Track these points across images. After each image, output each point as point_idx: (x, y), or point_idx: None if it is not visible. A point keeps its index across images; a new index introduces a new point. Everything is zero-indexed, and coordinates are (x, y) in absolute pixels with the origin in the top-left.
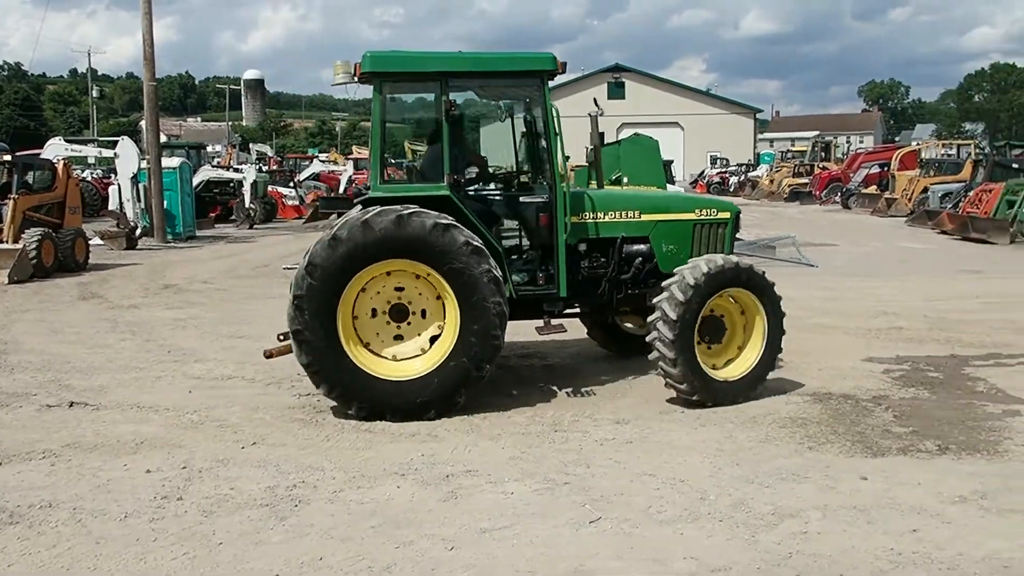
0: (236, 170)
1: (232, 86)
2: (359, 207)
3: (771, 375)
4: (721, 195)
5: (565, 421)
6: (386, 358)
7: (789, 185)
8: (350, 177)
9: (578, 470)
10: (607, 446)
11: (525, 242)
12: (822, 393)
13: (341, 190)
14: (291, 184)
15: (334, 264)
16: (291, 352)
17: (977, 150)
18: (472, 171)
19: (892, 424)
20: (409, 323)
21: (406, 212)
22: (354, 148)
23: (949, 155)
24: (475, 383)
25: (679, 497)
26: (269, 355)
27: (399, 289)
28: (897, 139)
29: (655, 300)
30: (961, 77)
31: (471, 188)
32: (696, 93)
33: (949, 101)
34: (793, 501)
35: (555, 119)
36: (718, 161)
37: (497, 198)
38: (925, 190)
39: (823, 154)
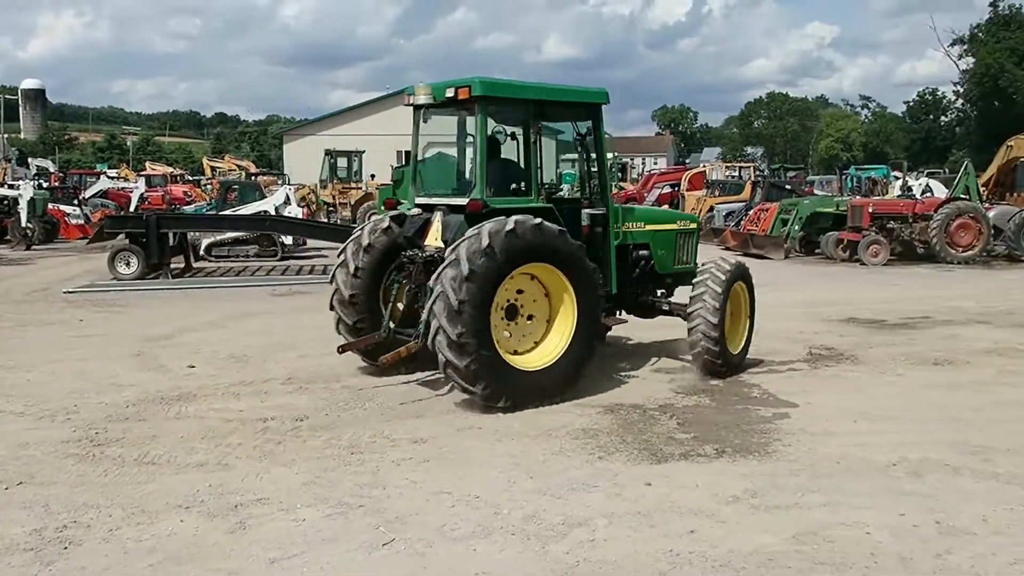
0: (11, 187)
1: (8, 96)
2: (439, 214)
3: (569, 391)
4: None
5: (362, 443)
6: (513, 352)
7: None
8: (142, 194)
9: (374, 492)
10: (404, 466)
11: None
12: (614, 404)
13: (132, 208)
14: (76, 202)
15: (491, 270)
16: (404, 355)
17: (757, 172)
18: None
19: (676, 431)
20: (516, 322)
21: (538, 221)
22: (147, 164)
23: (732, 176)
24: (590, 359)
25: (473, 513)
26: (385, 363)
27: (519, 292)
28: (687, 161)
29: (694, 294)
30: (742, 104)
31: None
32: None
33: (732, 126)
34: (582, 510)
35: (608, 142)
36: None
37: (568, 210)
38: (711, 209)
39: (620, 174)
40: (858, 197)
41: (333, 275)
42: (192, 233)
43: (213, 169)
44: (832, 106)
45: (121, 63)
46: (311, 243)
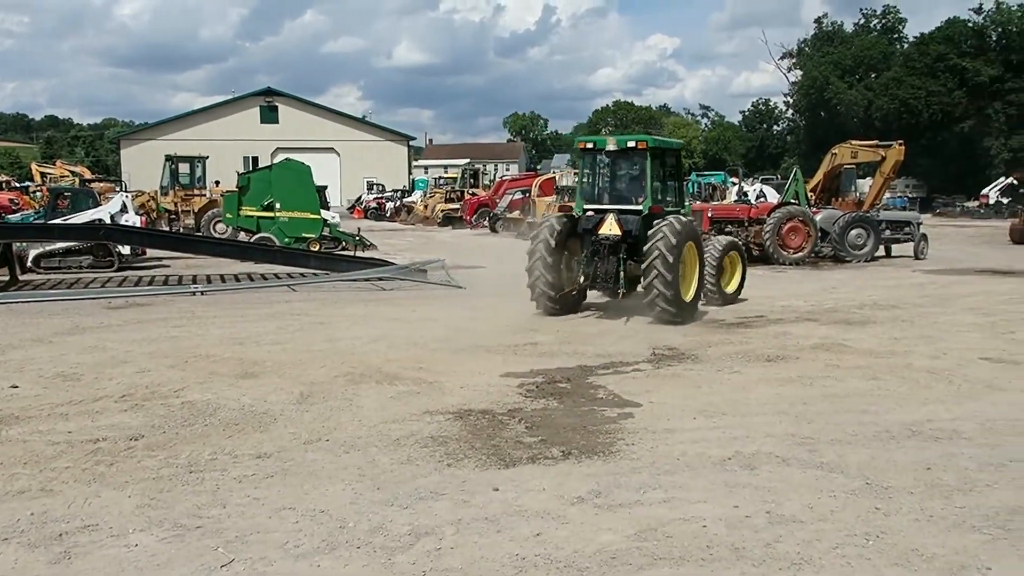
0: None
1: None
2: (612, 215)
3: (419, 398)
4: (378, 221)
5: (202, 461)
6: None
7: (442, 210)
8: None
9: (213, 511)
10: (246, 483)
11: None
12: (463, 410)
13: None
14: None
15: (679, 247)
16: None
17: None
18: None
19: (524, 435)
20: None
21: (691, 219)
22: None
23: None
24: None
25: (318, 528)
26: (621, 297)
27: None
28: (539, 167)
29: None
30: (590, 112)
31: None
32: (352, 120)
33: (581, 133)
34: (430, 519)
35: (685, 170)
36: (374, 187)
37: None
38: None
39: (472, 181)
40: (698, 202)
41: (532, 254)
42: (17, 244)
43: (43, 175)
44: (674, 115)
45: None
46: (151, 253)
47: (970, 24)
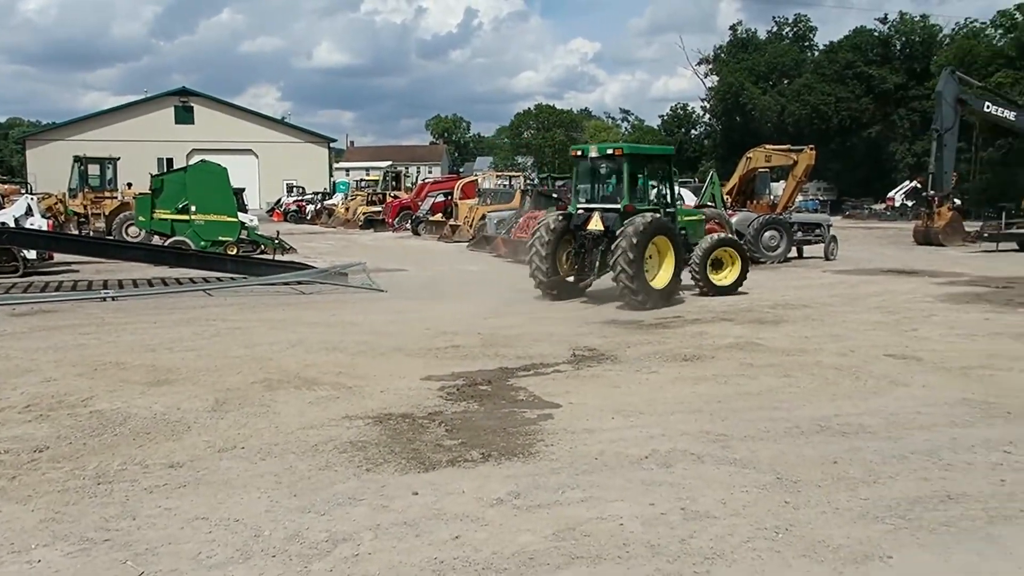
0: None
1: None
2: (597, 213)
3: (338, 403)
4: (298, 224)
5: (111, 471)
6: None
7: (364, 213)
8: None
9: (122, 524)
10: (157, 493)
11: None
12: (383, 414)
13: None
14: None
15: (642, 241)
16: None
17: (527, 181)
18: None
19: (444, 438)
20: (647, 266)
21: (659, 216)
22: None
23: (503, 185)
24: (678, 290)
25: (232, 538)
26: (587, 286)
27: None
28: (461, 170)
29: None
30: (512, 115)
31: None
32: (271, 121)
33: (504, 136)
34: (348, 525)
35: (675, 175)
36: (295, 189)
37: (662, 209)
38: (483, 217)
39: (394, 183)
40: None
41: (531, 247)
42: None
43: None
44: (596, 118)
45: None
46: (59, 257)
47: (876, 33)
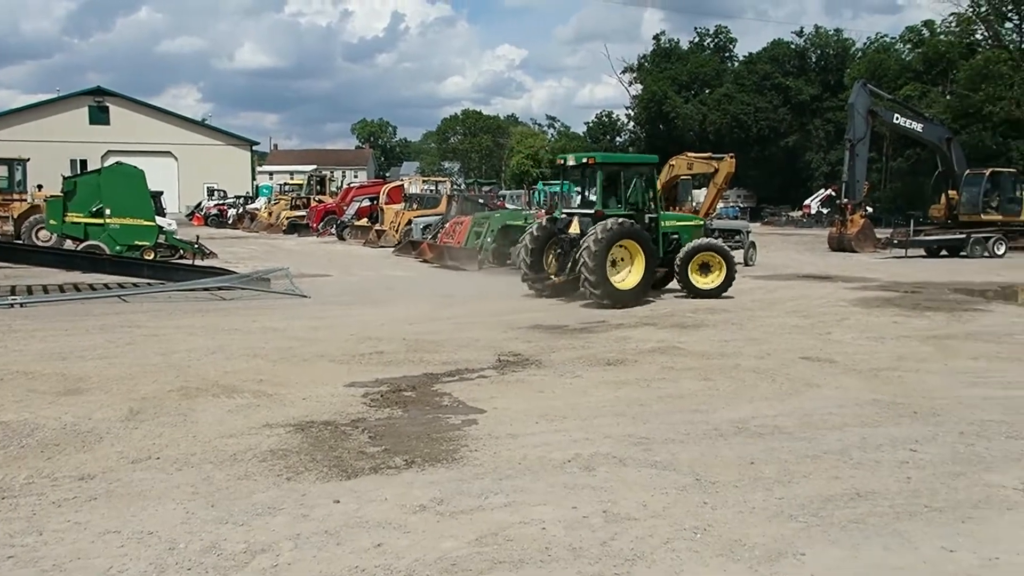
0: None
1: None
2: (577, 217)
3: (258, 411)
4: (219, 228)
5: (16, 485)
6: (616, 280)
7: (287, 217)
8: None
9: (28, 539)
10: (66, 507)
11: None
12: (305, 422)
13: None
14: None
15: (605, 243)
16: (569, 280)
17: (453, 186)
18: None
19: (367, 445)
20: (618, 268)
21: (623, 220)
22: None
23: (430, 190)
24: (647, 291)
25: (146, 551)
26: (556, 283)
27: (616, 252)
28: (387, 175)
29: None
30: (439, 120)
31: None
32: (191, 123)
33: (430, 141)
34: (267, 535)
35: (657, 181)
36: (215, 193)
37: (639, 215)
38: (409, 222)
39: (319, 187)
40: (544, 211)
41: (520, 250)
42: None
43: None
44: (522, 124)
45: None
46: None
47: (793, 46)
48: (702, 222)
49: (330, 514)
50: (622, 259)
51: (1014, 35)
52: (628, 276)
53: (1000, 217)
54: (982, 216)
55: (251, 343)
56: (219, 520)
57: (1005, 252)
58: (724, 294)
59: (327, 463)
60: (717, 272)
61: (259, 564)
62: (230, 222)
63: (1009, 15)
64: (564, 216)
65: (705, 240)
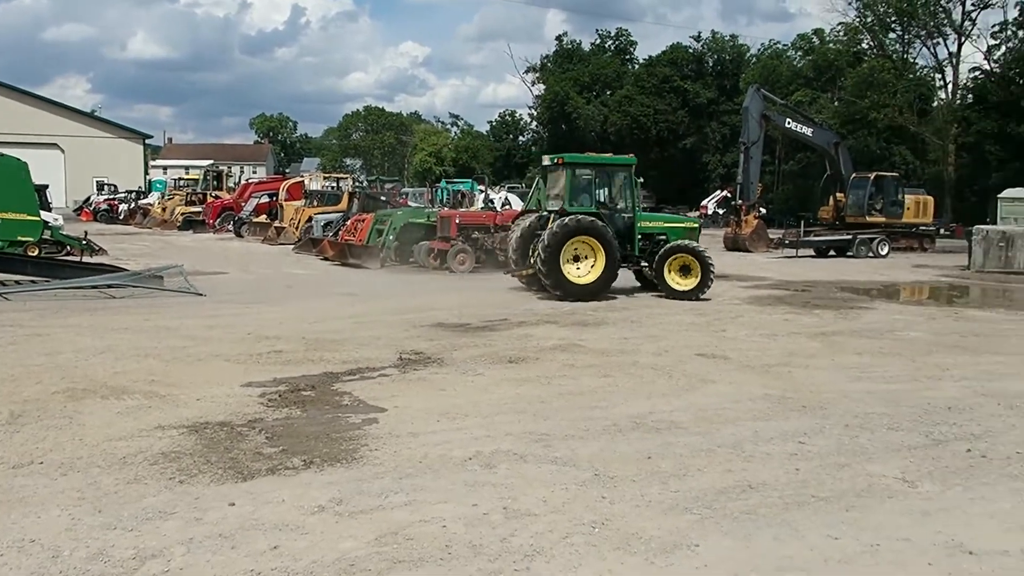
0: None
1: None
2: (555, 213)
3: (150, 413)
4: (110, 224)
5: None
6: (573, 275)
7: (182, 213)
8: None
9: None
10: None
11: (620, 230)
12: (199, 424)
13: None
14: None
15: (558, 238)
16: (530, 272)
17: (355, 183)
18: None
19: (264, 446)
20: (578, 264)
21: (579, 217)
22: None
23: (331, 187)
24: (608, 287)
25: (27, 561)
26: (518, 276)
27: (575, 248)
28: (287, 171)
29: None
30: (341, 116)
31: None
32: (79, 114)
33: (332, 137)
34: (157, 540)
35: (635, 182)
36: (105, 187)
37: (611, 213)
38: (310, 219)
39: (216, 183)
40: (447, 209)
41: (509, 243)
42: None
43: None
44: (425, 122)
45: None
46: None
47: (691, 50)
48: (696, 223)
49: (225, 517)
50: (586, 256)
51: (897, 45)
52: (589, 272)
53: (884, 219)
54: (867, 218)
55: (143, 343)
56: (107, 526)
57: (888, 252)
58: (701, 296)
59: (222, 465)
60: (695, 274)
61: (149, 570)
62: (121, 218)
63: (892, 26)
64: (547, 214)
65: (682, 242)
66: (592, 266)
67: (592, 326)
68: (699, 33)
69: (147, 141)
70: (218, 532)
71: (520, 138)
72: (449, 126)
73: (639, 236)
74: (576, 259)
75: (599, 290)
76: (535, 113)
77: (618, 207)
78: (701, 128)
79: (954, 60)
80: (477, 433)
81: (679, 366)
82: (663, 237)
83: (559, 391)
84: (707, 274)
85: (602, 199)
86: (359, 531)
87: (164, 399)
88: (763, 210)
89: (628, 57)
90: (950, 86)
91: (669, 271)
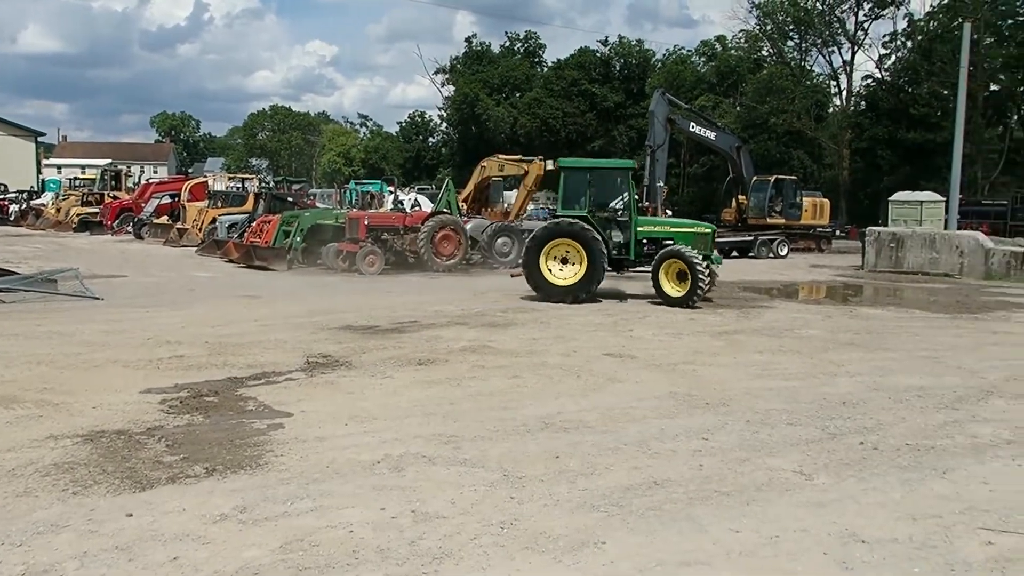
0: None
1: None
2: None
3: (42, 422)
4: (0, 225)
5: None
6: (556, 276)
7: (78, 214)
8: None
9: None
10: None
11: (616, 234)
12: (95, 432)
13: None
14: None
15: (542, 239)
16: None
17: (261, 184)
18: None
19: (164, 454)
20: (563, 266)
21: (558, 220)
22: None
23: (236, 188)
24: (592, 289)
25: None
26: (514, 276)
27: (566, 250)
28: (190, 171)
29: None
30: (246, 115)
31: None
32: None
33: (237, 137)
34: (49, 555)
35: (633, 186)
36: None
37: (606, 217)
38: (214, 220)
39: (114, 183)
40: (356, 210)
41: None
42: None
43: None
44: (333, 122)
45: None
46: None
47: (598, 54)
48: (709, 228)
49: (122, 529)
50: (572, 259)
51: (795, 53)
52: (572, 274)
53: (783, 221)
54: (768, 220)
55: (35, 349)
56: None
57: (787, 253)
58: (692, 304)
59: (119, 475)
60: (578, 265)
61: None
62: (12, 219)
63: (791, 34)
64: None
65: (676, 247)
66: (577, 268)
67: (501, 327)
68: (607, 37)
69: (39, 139)
70: (114, 544)
71: (430, 139)
72: (358, 127)
73: (643, 240)
74: (565, 261)
75: (577, 292)
76: (445, 114)
77: (615, 211)
78: (609, 131)
79: (848, 68)
80: (386, 436)
81: (587, 366)
82: (670, 242)
83: (468, 392)
84: (696, 281)
85: (599, 203)
86: (263, 539)
87: (57, 407)
88: (669, 212)
89: (537, 60)
90: (844, 93)
91: (666, 277)
